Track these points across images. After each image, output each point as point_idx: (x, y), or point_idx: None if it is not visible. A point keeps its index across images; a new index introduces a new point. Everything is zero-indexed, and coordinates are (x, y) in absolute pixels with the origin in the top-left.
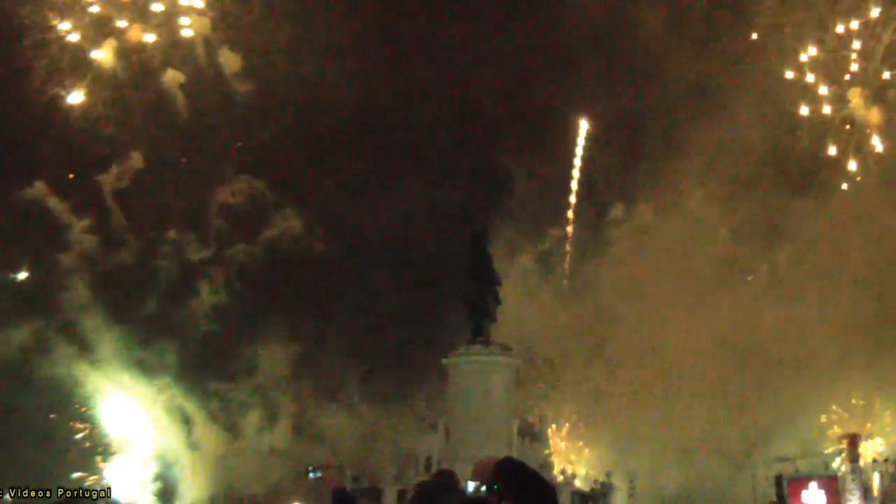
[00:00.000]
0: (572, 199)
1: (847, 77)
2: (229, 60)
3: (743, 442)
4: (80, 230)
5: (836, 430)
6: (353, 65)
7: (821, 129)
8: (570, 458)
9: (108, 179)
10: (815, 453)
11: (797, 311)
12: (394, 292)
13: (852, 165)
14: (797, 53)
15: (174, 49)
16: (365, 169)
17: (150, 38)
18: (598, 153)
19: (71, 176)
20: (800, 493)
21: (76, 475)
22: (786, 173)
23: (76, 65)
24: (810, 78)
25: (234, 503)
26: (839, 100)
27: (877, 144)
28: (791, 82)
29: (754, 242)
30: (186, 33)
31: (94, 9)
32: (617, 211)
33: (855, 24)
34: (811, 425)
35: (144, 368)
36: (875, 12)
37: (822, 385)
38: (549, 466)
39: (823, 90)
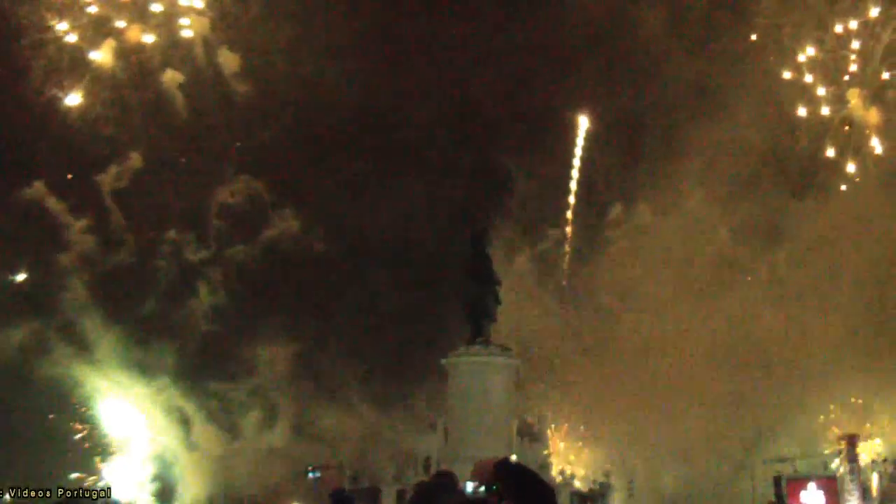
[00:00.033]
0: (572, 199)
1: (846, 77)
2: (228, 60)
3: (742, 442)
4: (78, 230)
5: (835, 431)
6: (353, 65)
7: (820, 129)
8: (569, 459)
9: (107, 179)
10: (814, 454)
11: (796, 312)
12: (394, 292)
13: (851, 168)
14: (795, 54)
15: (173, 49)
16: (365, 169)
17: (149, 38)
18: (597, 153)
19: (70, 176)
20: (798, 493)
21: (74, 475)
22: (785, 174)
23: (74, 65)
24: (808, 78)
25: (233, 503)
26: (838, 100)
27: (876, 146)
28: (789, 83)
29: (754, 243)
30: (186, 34)
31: (93, 9)
32: (616, 211)
33: (854, 24)
34: (810, 426)
35: (143, 369)
36: (874, 12)
37: (821, 385)
38: (548, 467)
39: (822, 91)
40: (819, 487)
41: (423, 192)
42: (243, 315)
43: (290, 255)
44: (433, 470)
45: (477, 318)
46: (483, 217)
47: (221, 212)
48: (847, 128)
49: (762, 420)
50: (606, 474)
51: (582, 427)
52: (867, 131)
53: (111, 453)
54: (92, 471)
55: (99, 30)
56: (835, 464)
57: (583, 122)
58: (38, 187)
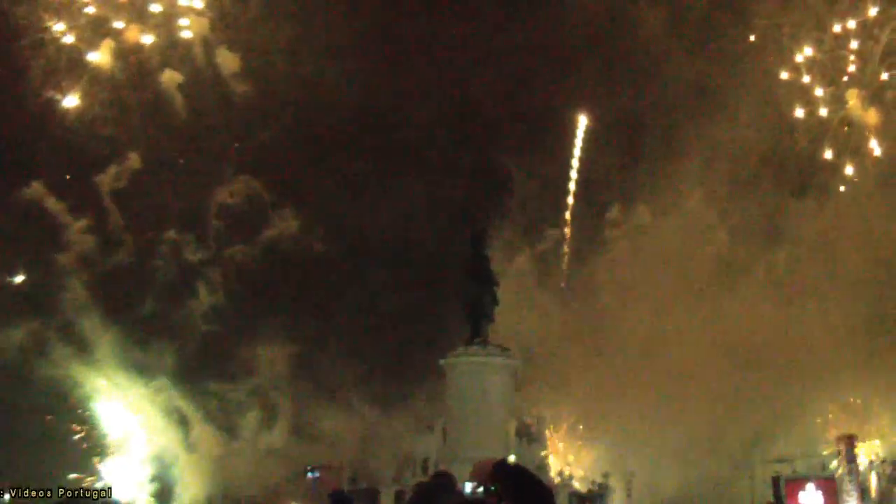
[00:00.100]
0: (571, 199)
1: (845, 78)
2: (227, 60)
3: (740, 443)
4: (77, 230)
5: (834, 432)
6: (353, 65)
7: (818, 130)
8: (568, 459)
9: (106, 180)
10: (813, 454)
11: (795, 312)
12: (393, 292)
13: (849, 170)
14: (794, 54)
15: (172, 49)
16: (365, 169)
17: (147, 38)
18: (596, 153)
19: (69, 176)
20: (797, 494)
21: (72, 476)
22: (784, 174)
23: (73, 66)
24: (806, 79)
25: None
26: (837, 101)
27: (875, 148)
28: (787, 83)
29: (752, 243)
30: (185, 34)
31: (90, 9)
32: (615, 211)
33: (853, 24)
34: (809, 426)
35: (142, 369)
36: (873, 12)
37: (820, 386)
38: (547, 467)
39: (820, 92)
40: (818, 488)
41: (423, 192)
42: (242, 315)
43: (290, 255)
44: (431, 471)
45: (475, 319)
46: (483, 217)
47: (220, 212)
48: (846, 129)
49: (761, 421)
50: (605, 475)
51: (581, 427)
52: (866, 132)
53: (109, 454)
54: (90, 471)
55: (97, 30)
56: (833, 464)
57: (582, 123)
58: (37, 187)
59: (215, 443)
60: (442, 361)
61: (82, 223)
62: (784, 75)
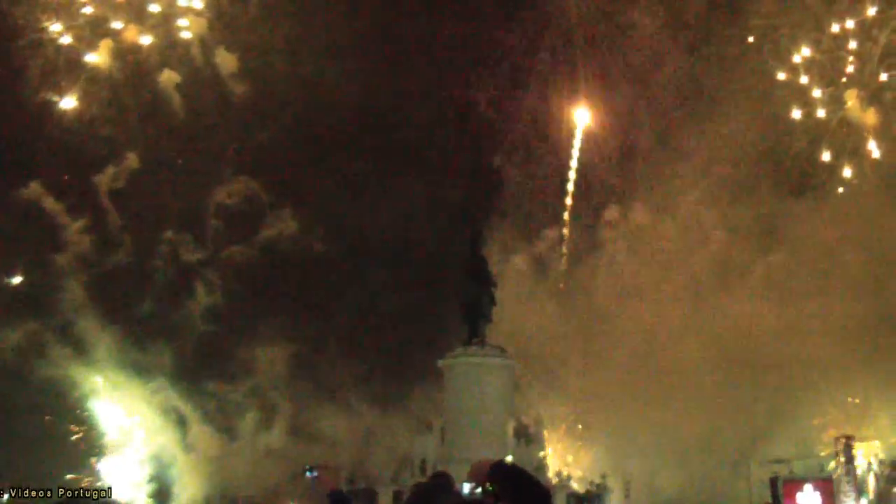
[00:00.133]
0: (569, 199)
1: (843, 79)
2: (226, 61)
3: (738, 443)
4: (76, 231)
5: (832, 432)
6: (352, 65)
7: (816, 131)
8: (566, 460)
9: (105, 180)
10: (811, 455)
11: (793, 313)
12: (393, 292)
13: (847, 171)
14: (792, 55)
15: (171, 49)
16: (365, 169)
17: (146, 39)
18: (594, 154)
19: (67, 176)
20: (795, 494)
21: (70, 476)
22: (782, 175)
23: (71, 66)
24: (804, 79)
25: None
26: (835, 101)
27: (873, 149)
28: (785, 84)
29: (750, 244)
30: (183, 34)
31: (89, 10)
32: (613, 212)
33: (851, 24)
34: (806, 427)
35: (140, 369)
36: (871, 12)
37: (818, 387)
38: (545, 468)
39: (818, 93)
40: (815, 489)
41: (423, 192)
42: (241, 315)
43: (289, 255)
44: (430, 471)
45: (473, 319)
46: (483, 217)
47: (219, 212)
48: (845, 129)
49: (759, 421)
50: (603, 476)
51: (579, 428)
52: (865, 133)
53: (108, 454)
54: (88, 472)
55: (96, 30)
56: (831, 465)
57: (580, 123)
58: (35, 188)
59: (214, 443)
60: (440, 362)
61: (80, 223)
62: (782, 76)
